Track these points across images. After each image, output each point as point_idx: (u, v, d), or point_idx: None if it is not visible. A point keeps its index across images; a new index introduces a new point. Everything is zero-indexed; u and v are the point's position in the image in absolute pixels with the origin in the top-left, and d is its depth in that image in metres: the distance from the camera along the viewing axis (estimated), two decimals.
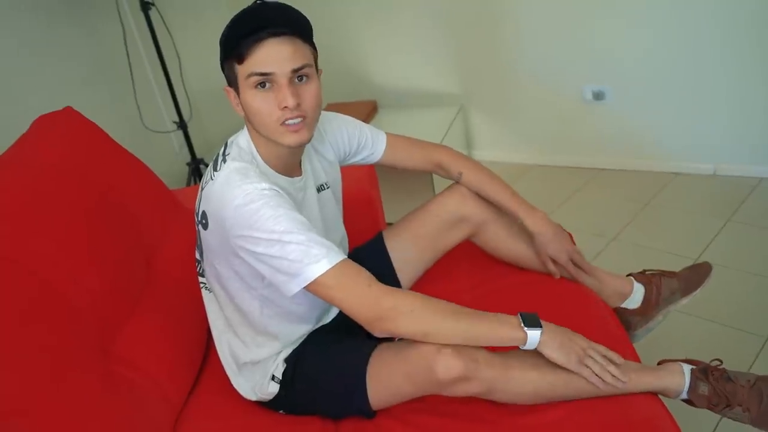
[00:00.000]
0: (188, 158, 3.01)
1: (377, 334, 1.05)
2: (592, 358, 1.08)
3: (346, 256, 1.04)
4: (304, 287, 1.02)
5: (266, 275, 1.05)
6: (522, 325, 1.05)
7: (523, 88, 2.79)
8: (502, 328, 1.06)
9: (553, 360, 1.07)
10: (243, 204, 1.02)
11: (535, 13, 2.59)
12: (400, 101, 3.06)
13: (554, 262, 1.39)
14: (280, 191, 1.05)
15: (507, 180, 1.38)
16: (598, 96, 2.62)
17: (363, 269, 1.05)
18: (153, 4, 2.68)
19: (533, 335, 1.05)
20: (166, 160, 3.11)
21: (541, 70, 2.70)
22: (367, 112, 2.91)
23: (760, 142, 2.39)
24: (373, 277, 1.05)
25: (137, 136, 2.79)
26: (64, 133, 1.47)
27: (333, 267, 1.01)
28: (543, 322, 1.07)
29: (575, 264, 1.40)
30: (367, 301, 1.02)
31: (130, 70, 2.82)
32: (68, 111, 1.55)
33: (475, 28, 2.75)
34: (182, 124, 2.91)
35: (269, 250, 1.01)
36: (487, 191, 1.39)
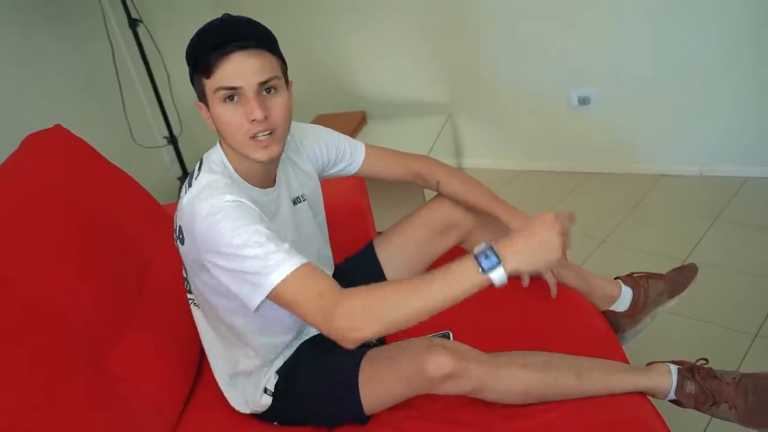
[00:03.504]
0: (179, 173, 3.03)
1: (347, 347, 0.98)
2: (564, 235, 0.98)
3: (304, 261, 0.99)
4: (266, 298, 1.00)
5: (233, 290, 1.04)
6: (480, 271, 0.95)
7: (510, 95, 2.81)
8: (459, 283, 0.96)
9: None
10: (207, 216, 1.01)
11: (519, 20, 2.62)
12: (388, 111, 3.09)
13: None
14: (245, 202, 1.04)
15: (496, 186, 1.39)
16: (584, 101, 2.65)
17: (320, 276, 1.00)
18: (141, 21, 2.70)
19: (497, 275, 0.94)
20: (157, 175, 3.12)
21: (528, 77, 2.73)
22: (356, 122, 2.94)
23: (745, 143, 2.42)
24: (326, 283, 0.99)
25: (128, 152, 2.80)
26: (54, 151, 1.48)
27: (288, 276, 0.97)
28: (500, 251, 0.95)
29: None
30: (321, 314, 0.97)
31: (120, 87, 2.83)
32: (58, 129, 1.56)
33: (461, 36, 2.78)
34: (173, 139, 2.93)
35: (230, 264, 1.01)
36: (467, 198, 1.39)
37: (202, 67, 1.04)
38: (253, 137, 1.06)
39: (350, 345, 0.98)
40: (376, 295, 0.99)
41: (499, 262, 0.94)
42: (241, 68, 1.02)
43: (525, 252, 0.96)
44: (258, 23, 1.07)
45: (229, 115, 1.05)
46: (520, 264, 0.96)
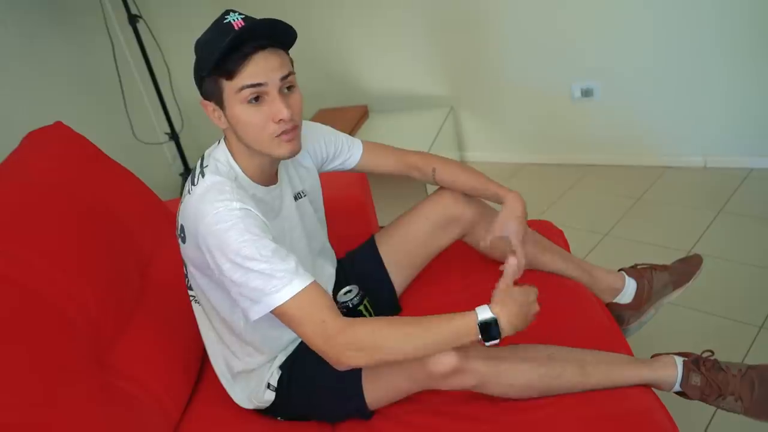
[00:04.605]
0: (181, 169, 3.02)
1: (339, 369, 1.03)
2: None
3: (311, 281, 1.02)
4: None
5: (233, 295, 1.05)
6: (480, 338, 1.02)
7: (512, 88, 2.80)
8: (459, 341, 1.03)
9: None
10: (213, 223, 1.02)
11: (521, 13, 2.60)
12: (390, 105, 3.08)
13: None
14: (252, 210, 1.05)
15: (499, 179, 1.39)
16: (587, 93, 2.63)
17: (323, 299, 1.03)
18: (141, 17, 2.70)
19: (491, 343, 1.02)
20: (159, 172, 3.13)
21: (530, 69, 2.71)
22: (358, 117, 2.92)
23: (749, 133, 2.41)
24: (330, 309, 1.02)
25: (130, 148, 2.80)
26: (55, 148, 1.48)
27: (291, 298, 1.00)
28: (501, 326, 1.01)
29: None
30: (320, 339, 1.01)
31: (120, 83, 2.83)
32: (58, 126, 1.56)
33: (463, 29, 2.77)
34: (174, 135, 2.93)
35: (233, 274, 1.01)
36: (462, 181, 1.39)
37: (223, 69, 1.03)
38: (279, 135, 1.06)
39: (342, 368, 1.03)
40: (379, 332, 1.03)
41: (497, 338, 1.02)
42: (263, 66, 1.02)
43: (516, 322, 1.03)
44: (271, 20, 1.05)
45: (252, 116, 1.05)
46: (508, 333, 1.03)
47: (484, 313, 1.02)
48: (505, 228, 1.30)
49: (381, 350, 1.02)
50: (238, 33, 1.00)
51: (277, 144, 1.07)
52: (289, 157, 1.11)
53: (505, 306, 1.03)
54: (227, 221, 1.01)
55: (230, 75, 1.03)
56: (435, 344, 1.04)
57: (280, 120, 1.04)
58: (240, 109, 1.05)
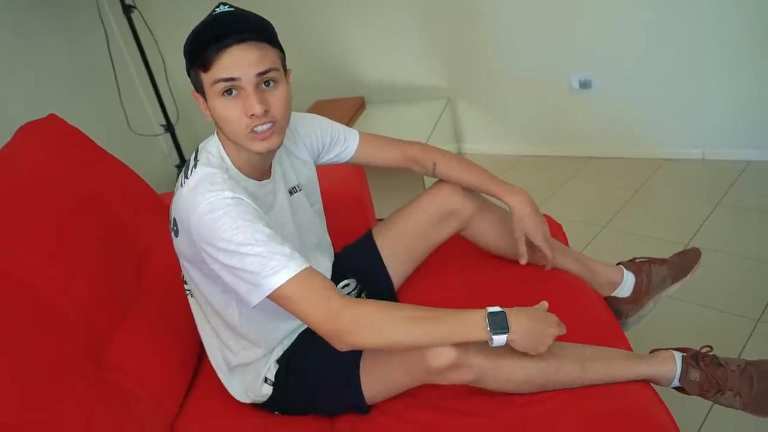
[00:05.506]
0: (177, 161, 3.01)
1: (340, 348, 1.02)
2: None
3: (308, 265, 1.02)
4: (266, 298, 1.01)
5: (230, 284, 1.04)
6: (488, 329, 1.01)
7: (510, 79, 2.79)
8: (466, 332, 1.02)
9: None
10: (205, 213, 1.01)
11: (519, 3, 2.58)
12: (387, 97, 3.06)
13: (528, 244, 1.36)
14: (244, 199, 1.04)
15: (496, 171, 1.38)
16: (585, 85, 2.62)
17: (324, 280, 1.03)
18: (135, 8, 2.67)
19: (499, 339, 1.01)
20: (156, 164, 3.11)
21: (528, 61, 2.70)
22: (355, 108, 2.91)
23: (747, 126, 2.40)
24: (333, 289, 1.02)
25: (125, 140, 2.78)
26: (49, 141, 1.46)
27: (291, 278, 0.99)
28: (510, 322, 1.02)
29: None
30: (326, 314, 0.99)
31: (115, 75, 2.81)
32: (52, 118, 1.54)
33: (461, 20, 2.75)
34: (170, 127, 2.91)
35: (229, 260, 1.00)
36: (463, 177, 1.38)
37: (200, 61, 1.02)
38: (252, 131, 1.05)
39: (343, 348, 1.02)
40: (387, 312, 1.03)
41: (506, 332, 1.01)
42: (239, 60, 1.01)
43: (528, 333, 1.04)
44: (256, 15, 1.06)
45: (227, 109, 1.04)
46: (518, 341, 1.03)
47: (493, 309, 1.03)
48: (525, 230, 1.33)
49: (383, 332, 1.00)
50: (208, 21, 1.00)
51: (251, 139, 1.06)
52: (264, 154, 1.10)
53: (518, 312, 1.04)
54: (219, 209, 1.01)
55: (206, 66, 1.02)
56: (438, 334, 1.03)
57: (252, 115, 1.03)
58: (217, 102, 1.05)
